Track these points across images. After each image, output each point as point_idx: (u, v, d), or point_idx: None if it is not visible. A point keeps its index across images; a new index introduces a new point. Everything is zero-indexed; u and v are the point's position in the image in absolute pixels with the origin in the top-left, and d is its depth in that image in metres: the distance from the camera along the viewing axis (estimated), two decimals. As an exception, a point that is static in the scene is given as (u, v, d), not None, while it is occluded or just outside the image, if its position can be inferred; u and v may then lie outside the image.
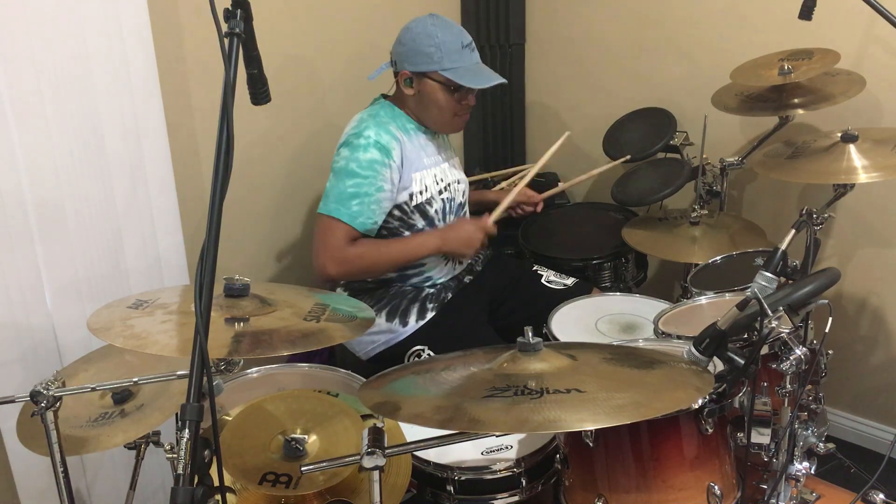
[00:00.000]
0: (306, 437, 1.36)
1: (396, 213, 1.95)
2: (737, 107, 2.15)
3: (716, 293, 1.71)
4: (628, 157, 2.44)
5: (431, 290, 2.05)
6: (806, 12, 1.82)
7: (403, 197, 1.94)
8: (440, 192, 2.01)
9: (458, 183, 2.11)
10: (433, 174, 2.00)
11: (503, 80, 1.95)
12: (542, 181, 2.72)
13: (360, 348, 2.06)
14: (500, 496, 1.48)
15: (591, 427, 1.22)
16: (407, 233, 1.99)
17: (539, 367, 1.15)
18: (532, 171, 2.35)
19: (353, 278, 1.90)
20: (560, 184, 2.55)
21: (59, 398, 1.20)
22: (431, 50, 1.88)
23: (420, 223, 1.99)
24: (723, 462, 1.31)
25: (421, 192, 1.96)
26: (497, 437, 1.54)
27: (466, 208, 2.18)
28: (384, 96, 2.05)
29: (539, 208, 2.35)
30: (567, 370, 1.16)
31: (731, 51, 2.29)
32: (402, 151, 1.91)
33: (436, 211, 2.01)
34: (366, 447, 1.08)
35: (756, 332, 1.18)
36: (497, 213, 2.11)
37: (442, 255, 2.03)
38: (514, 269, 2.27)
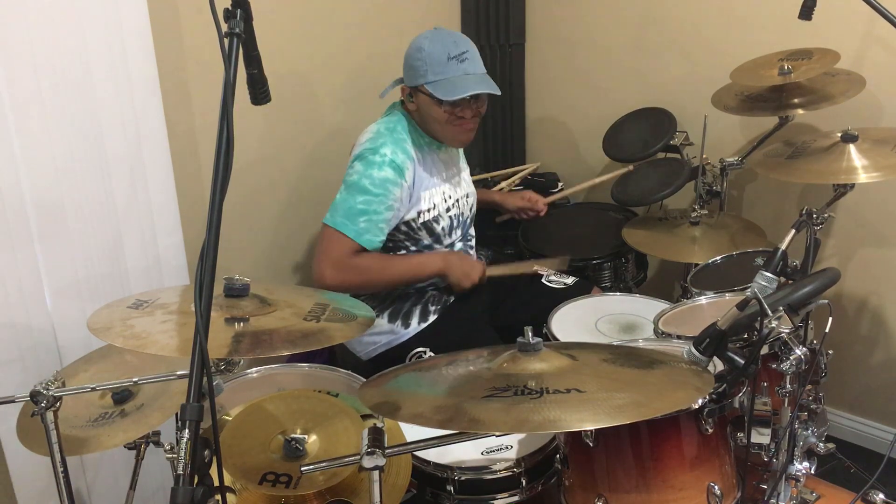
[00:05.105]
0: (306, 437, 1.36)
1: (403, 228, 1.94)
2: (737, 107, 2.15)
3: (716, 293, 1.71)
4: (630, 168, 2.45)
5: (434, 293, 2.05)
6: (806, 12, 1.82)
7: (411, 214, 1.93)
8: (447, 210, 2.01)
9: (467, 197, 2.11)
10: (442, 191, 1.99)
11: (483, 91, 1.87)
12: (542, 181, 2.73)
13: (361, 349, 2.06)
14: (500, 496, 1.48)
15: (591, 427, 1.22)
16: (413, 247, 1.99)
17: (539, 367, 1.15)
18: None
19: (351, 290, 1.88)
20: (563, 190, 2.56)
21: (59, 398, 1.20)
22: (418, 63, 1.87)
23: (426, 240, 1.99)
24: (723, 462, 1.31)
25: (429, 210, 1.96)
26: (497, 437, 1.54)
27: (472, 223, 2.17)
28: (403, 103, 2.01)
29: (543, 212, 2.35)
30: (567, 370, 1.16)
31: (731, 51, 2.28)
32: (414, 171, 1.90)
33: (442, 228, 2.00)
34: (366, 447, 1.08)
35: (756, 332, 1.18)
36: (497, 273, 2.06)
37: (439, 279, 2.01)
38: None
